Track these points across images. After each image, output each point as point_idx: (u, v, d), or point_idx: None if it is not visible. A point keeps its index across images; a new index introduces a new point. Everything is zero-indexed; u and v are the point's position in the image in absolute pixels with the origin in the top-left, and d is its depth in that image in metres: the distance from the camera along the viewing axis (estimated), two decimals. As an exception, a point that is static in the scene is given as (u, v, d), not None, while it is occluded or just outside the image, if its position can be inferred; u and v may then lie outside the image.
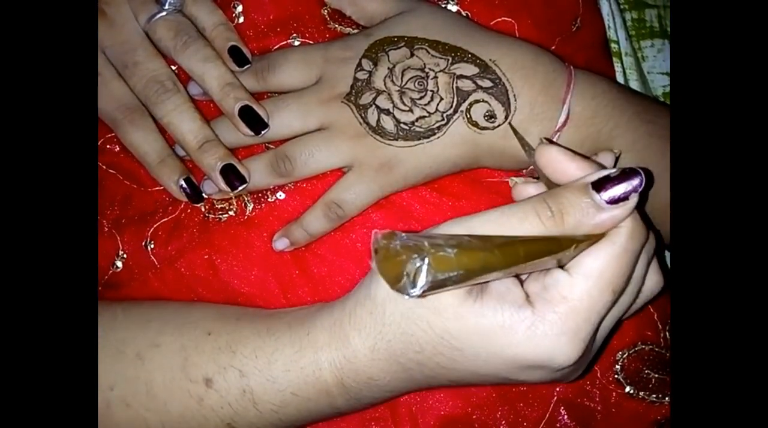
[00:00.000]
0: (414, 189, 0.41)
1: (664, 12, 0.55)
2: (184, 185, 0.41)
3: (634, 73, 0.52)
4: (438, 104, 0.39)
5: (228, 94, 0.40)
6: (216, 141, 0.40)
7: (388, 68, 0.39)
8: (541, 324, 0.30)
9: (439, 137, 0.39)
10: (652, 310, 0.43)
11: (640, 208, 0.32)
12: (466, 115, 0.39)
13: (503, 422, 0.40)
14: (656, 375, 0.42)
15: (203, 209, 0.42)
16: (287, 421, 0.36)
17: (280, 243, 0.41)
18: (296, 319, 0.36)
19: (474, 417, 0.40)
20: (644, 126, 0.41)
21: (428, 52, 0.39)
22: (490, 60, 0.39)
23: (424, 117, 0.39)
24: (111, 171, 0.43)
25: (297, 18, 0.44)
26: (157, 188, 0.43)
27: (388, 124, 0.39)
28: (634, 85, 0.52)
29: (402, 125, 0.39)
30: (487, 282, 0.32)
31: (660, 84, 0.55)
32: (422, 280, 0.28)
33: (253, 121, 0.40)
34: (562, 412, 0.41)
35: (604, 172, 0.31)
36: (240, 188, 0.40)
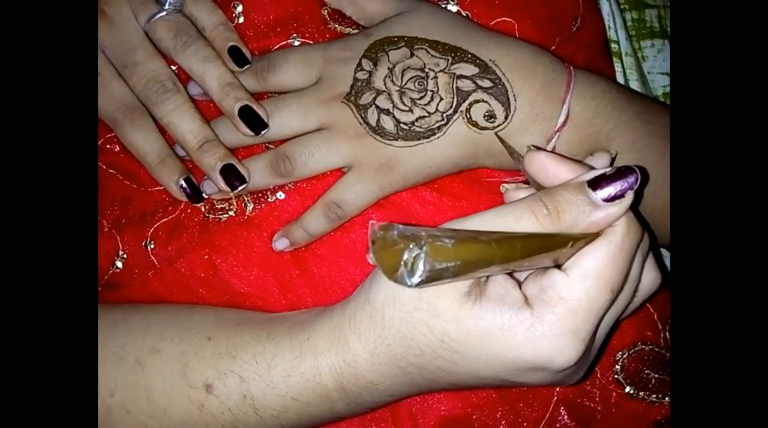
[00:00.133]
0: (414, 189, 0.41)
1: (664, 12, 0.55)
2: (184, 185, 0.41)
3: (634, 73, 0.52)
4: (438, 104, 0.39)
5: (228, 94, 0.40)
6: (216, 141, 0.40)
7: (388, 68, 0.39)
8: (540, 325, 0.30)
9: (439, 137, 0.39)
10: (651, 310, 0.43)
11: (634, 207, 0.32)
12: (466, 115, 0.39)
13: (503, 422, 0.40)
14: (656, 376, 0.42)
15: (203, 209, 0.42)
16: (288, 426, 0.36)
17: (280, 244, 0.41)
18: (296, 324, 0.36)
19: (474, 417, 0.40)
20: (644, 126, 0.41)
21: (428, 52, 0.39)
22: (490, 60, 0.39)
23: (424, 117, 0.39)
24: (111, 171, 0.43)
25: (297, 18, 0.44)
26: (157, 188, 0.43)
27: (388, 124, 0.39)
28: (635, 85, 0.52)
29: (402, 125, 0.39)
30: (485, 280, 0.32)
31: (660, 84, 0.55)
32: (420, 269, 0.28)
33: (253, 121, 0.40)
34: (562, 412, 0.41)
35: (600, 171, 0.31)
36: (240, 188, 0.40)
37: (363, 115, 0.39)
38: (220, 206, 0.42)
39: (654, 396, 0.42)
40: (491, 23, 0.44)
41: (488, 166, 0.42)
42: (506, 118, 0.39)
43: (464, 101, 0.39)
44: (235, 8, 0.43)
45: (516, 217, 0.31)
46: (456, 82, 0.39)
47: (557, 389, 0.41)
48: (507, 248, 0.30)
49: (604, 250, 0.31)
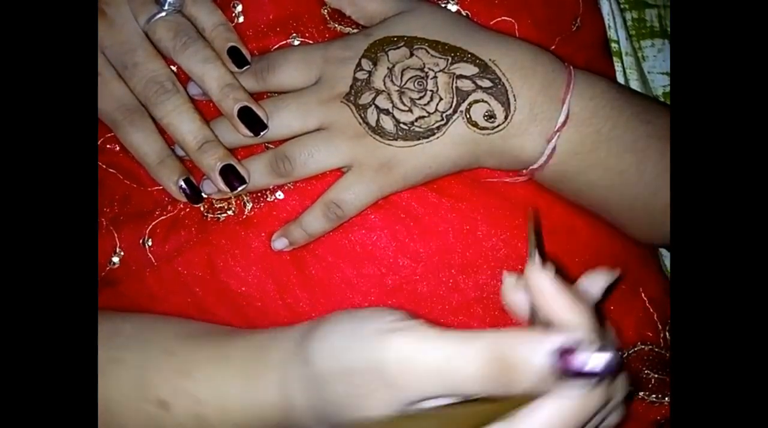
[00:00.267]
0: (413, 189, 0.41)
1: (664, 12, 0.55)
2: (184, 186, 0.41)
3: (634, 72, 0.52)
4: (437, 104, 0.39)
5: (227, 94, 0.40)
6: (215, 141, 0.40)
7: (388, 68, 0.39)
8: None
9: (438, 137, 0.39)
10: (651, 310, 0.43)
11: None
12: (466, 115, 0.39)
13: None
14: (656, 376, 0.42)
15: (202, 208, 0.42)
16: None
17: (279, 243, 0.41)
18: (253, 345, 0.35)
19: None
20: (643, 126, 0.41)
21: (428, 52, 0.39)
22: (490, 60, 0.39)
23: (423, 117, 0.39)
24: (111, 170, 0.43)
25: (297, 18, 0.43)
26: (156, 187, 0.43)
27: (387, 124, 0.39)
28: (635, 84, 0.52)
29: (401, 125, 0.39)
30: None
31: (660, 84, 0.55)
32: None
33: (253, 121, 0.40)
34: (562, 412, 0.41)
35: (573, 340, 0.26)
36: (239, 188, 0.40)
37: (362, 115, 0.39)
38: (218, 205, 0.42)
39: (654, 396, 0.42)
40: (491, 23, 0.44)
41: (488, 166, 0.41)
42: (506, 118, 0.39)
43: (464, 101, 0.39)
44: (235, 8, 0.43)
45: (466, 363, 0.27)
46: (456, 82, 0.39)
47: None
48: (446, 420, 0.28)
49: (559, 404, 0.27)
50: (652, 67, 0.54)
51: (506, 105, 0.39)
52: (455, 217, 0.41)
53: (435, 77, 0.39)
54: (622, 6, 0.55)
